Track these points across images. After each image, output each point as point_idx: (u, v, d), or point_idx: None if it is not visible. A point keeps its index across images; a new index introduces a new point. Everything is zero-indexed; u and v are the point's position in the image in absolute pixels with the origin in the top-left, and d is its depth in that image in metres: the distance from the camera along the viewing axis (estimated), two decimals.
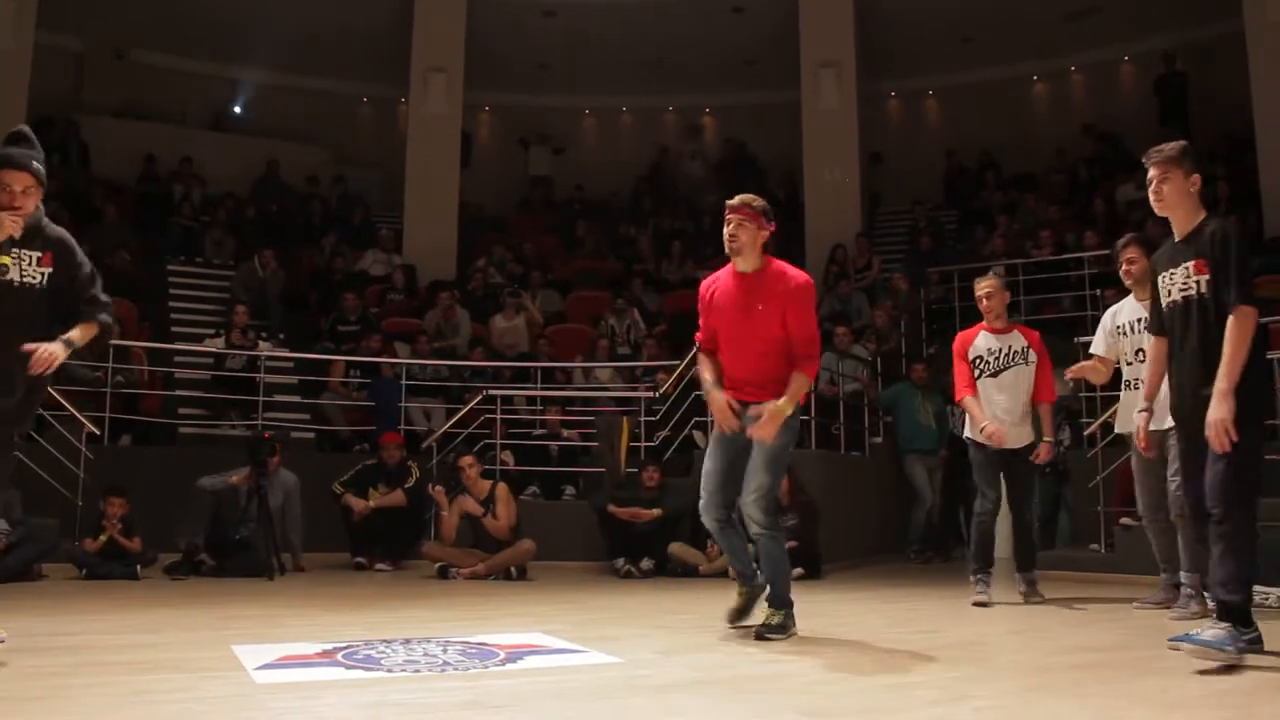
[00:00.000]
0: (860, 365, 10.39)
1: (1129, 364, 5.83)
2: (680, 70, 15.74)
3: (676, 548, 8.09)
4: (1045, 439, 6.11)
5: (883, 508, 9.94)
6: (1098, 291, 10.16)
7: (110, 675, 3.48)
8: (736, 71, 15.75)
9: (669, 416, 9.22)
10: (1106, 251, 11.19)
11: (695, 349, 5.01)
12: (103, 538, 7.23)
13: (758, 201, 4.48)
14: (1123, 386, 5.95)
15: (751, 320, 4.43)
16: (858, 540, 9.25)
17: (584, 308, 12.86)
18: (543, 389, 10.30)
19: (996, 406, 6.14)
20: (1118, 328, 5.90)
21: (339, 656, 3.84)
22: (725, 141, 16.76)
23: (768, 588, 4.58)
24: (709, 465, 4.59)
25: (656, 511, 8.19)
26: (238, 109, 16.19)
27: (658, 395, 9.27)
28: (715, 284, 4.62)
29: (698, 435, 9.19)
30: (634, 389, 10.10)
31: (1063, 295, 11.13)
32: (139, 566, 7.22)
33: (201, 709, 2.96)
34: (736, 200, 4.48)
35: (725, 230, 4.47)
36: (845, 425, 9.40)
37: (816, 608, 4.64)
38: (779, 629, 4.43)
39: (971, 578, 6.21)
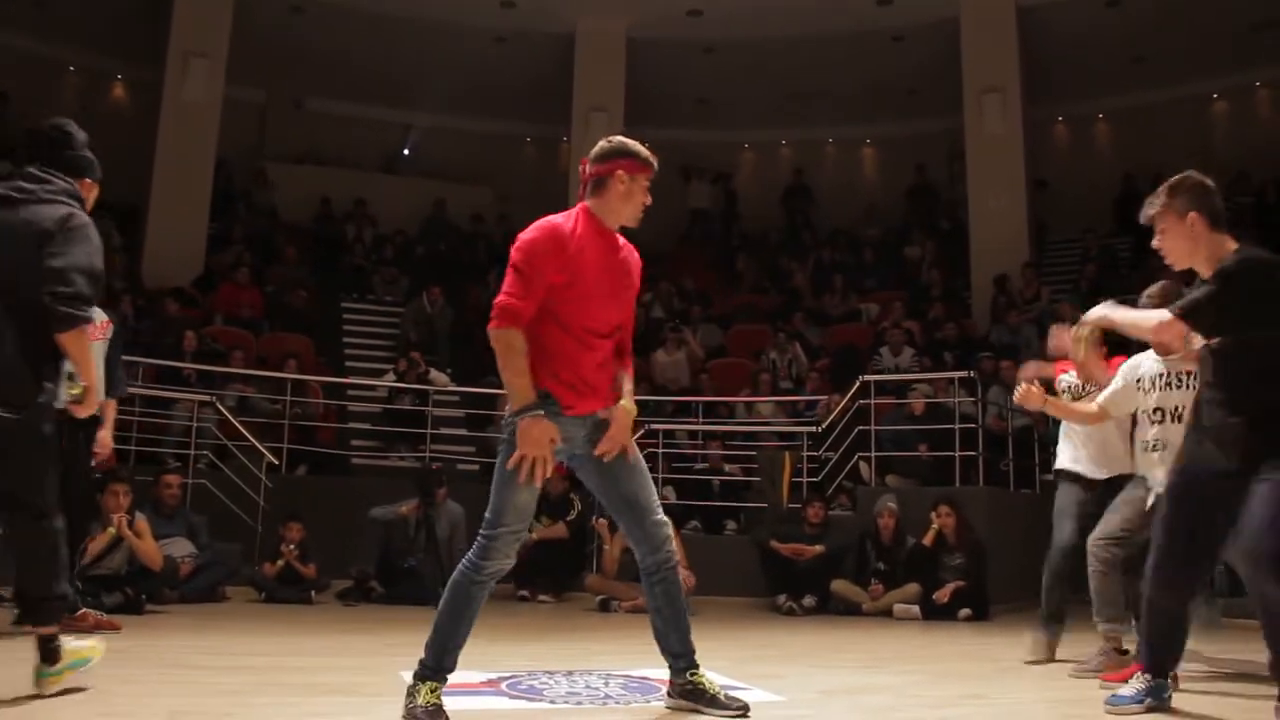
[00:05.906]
0: None
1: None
2: (840, 101, 15.60)
3: (839, 585, 7.91)
4: None
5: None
6: None
7: (289, 696, 3.61)
8: (897, 100, 15.53)
9: (833, 450, 9.07)
10: None
11: (506, 327, 3.17)
12: (280, 563, 7.53)
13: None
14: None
15: (621, 297, 3.34)
16: (1028, 580, 8.88)
17: (745, 342, 12.81)
18: (704, 423, 10.28)
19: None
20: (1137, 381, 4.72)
21: (503, 686, 3.88)
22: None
23: None
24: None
25: (819, 548, 8.03)
26: (407, 151, 16.81)
27: (820, 429, 9.13)
28: (576, 234, 3.28)
29: (863, 468, 9.00)
30: (796, 423, 9.99)
31: None
32: (313, 592, 7.50)
33: None
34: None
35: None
36: (1014, 461, 9.07)
37: (986, 650, 4.46)
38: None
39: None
